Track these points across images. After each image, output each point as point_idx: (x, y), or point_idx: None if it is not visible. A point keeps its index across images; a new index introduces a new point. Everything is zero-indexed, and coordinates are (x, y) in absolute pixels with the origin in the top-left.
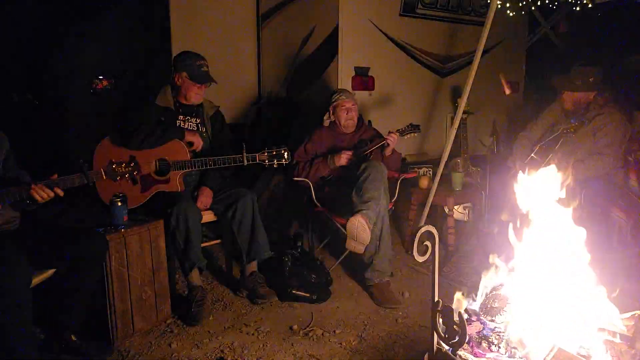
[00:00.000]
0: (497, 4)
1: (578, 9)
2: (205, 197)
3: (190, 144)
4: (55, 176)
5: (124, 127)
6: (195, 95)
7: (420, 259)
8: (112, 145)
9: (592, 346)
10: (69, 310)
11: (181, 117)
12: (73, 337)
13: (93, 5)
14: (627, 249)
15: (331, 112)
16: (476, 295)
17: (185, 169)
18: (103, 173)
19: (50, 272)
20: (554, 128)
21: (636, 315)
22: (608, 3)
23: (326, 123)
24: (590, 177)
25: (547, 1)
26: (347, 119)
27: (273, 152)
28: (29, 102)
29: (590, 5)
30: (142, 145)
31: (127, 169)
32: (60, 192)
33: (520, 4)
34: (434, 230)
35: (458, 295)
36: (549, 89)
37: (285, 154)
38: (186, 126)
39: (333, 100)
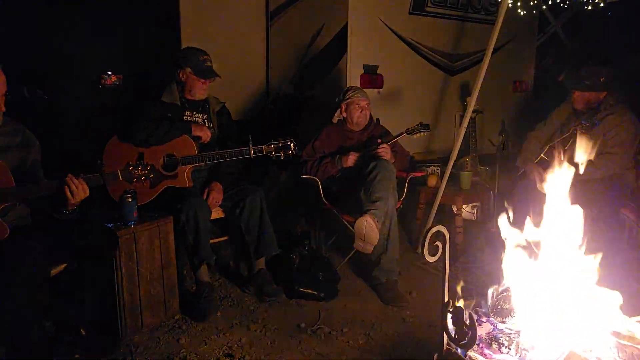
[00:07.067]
0: (508, 3)
1: (589, 8)
2: (217, 193)
3: (198, 137)
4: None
5: (130, 124)
6: (200, 90)
7: (431, 260)
8: (121, 143)
9: (603, 349)
10: (79, 305)
11: (187, 112)
12: (83, 331)
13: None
14: (637, 250)
15: (343, 109)
16: (485, 296)
17: (193, 163)
18: (120, 175)
19: (62, 266)
20: (564, 128)
21: None
22: (619, 2)
23: (335, 120)
24: (601, 177)
25: (557, 0)
26: (359, 117)
27: (279, 143)
28: (40, 97)
29: (601, 5)
30: (148, 141)
31: (143, 172)
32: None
33: (531, 3)
34: (445, 231)
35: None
36: (559, 89)
37: (292, 145)
38: (193, 120)
39: (347, 97)
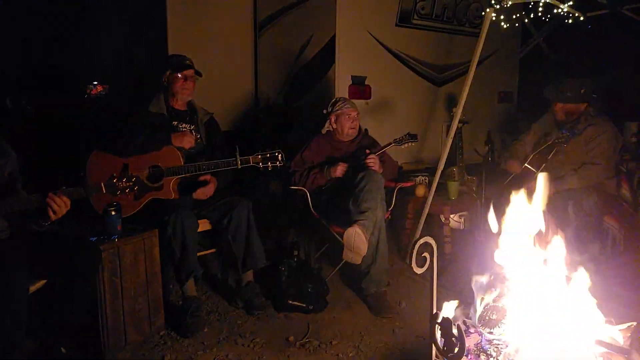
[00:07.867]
0: (492, 17)
1: (570, 21)
2: (213, 185)
3: (181, 148)
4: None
5: (110, 133)
6: (181, 89)
7: (419, 271)
8: (104, 154)
9: (588, 357)
10: (60, 321)
11: (175, 122)
12: (63, 349)
13: (90, 10)
14: (620, 257)
15: (333, 120)
16: (473, 307)
17: (178, 174)
18: (103, 187)
19: (41, 282)
20: (546, 138)
21: (632, 326)
22: (599, 16)
23: (324, 131)
24: (583, 187)
25: (539, 14)
26: (350, 128)
27: (267, 154)
28: (23, 108)
29: (582, 18)
30: (127, 150)
31: (128, 184)
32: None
33: (514, 16)
34: (433, 242)
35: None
36: (542, 100)
37: (279, 156)
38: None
39: (336, 108)
